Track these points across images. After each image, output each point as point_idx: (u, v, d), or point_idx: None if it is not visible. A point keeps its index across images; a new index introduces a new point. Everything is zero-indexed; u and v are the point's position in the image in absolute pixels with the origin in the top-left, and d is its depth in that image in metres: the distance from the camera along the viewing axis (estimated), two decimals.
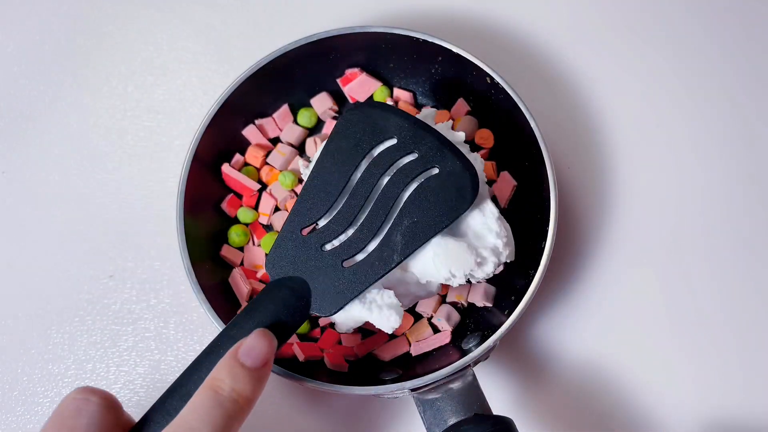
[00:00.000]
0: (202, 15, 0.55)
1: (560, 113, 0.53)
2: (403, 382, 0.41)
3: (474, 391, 0.41)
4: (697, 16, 0.55)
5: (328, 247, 0.38)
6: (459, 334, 0.46)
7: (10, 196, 0.52)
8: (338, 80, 0.49)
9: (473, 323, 0.46)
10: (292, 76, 0.48)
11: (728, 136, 0.52)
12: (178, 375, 0.47)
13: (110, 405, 0.32)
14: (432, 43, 0.46)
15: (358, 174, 0.39)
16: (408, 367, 0.44)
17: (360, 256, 0.38)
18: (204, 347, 0.48)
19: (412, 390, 0.41)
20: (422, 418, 0.41)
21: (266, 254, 0.46)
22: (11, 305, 0.50)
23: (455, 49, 0.45)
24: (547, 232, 0.43)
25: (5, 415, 0.48)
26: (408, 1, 0.55)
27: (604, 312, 0.49)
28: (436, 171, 0.39)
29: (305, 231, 0.39)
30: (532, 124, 0.44)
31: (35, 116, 0.53)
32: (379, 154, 0.39)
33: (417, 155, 0.39)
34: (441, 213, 0.38)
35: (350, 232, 0.39)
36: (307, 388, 0.41)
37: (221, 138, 0.47)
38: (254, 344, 0.34)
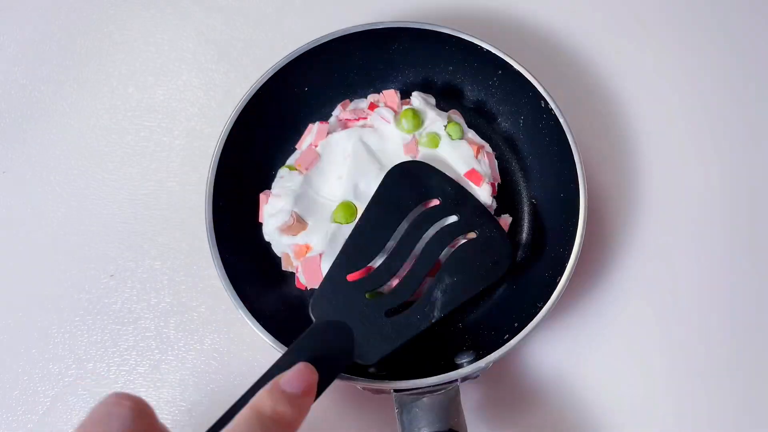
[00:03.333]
0: (202, 15, 0.56)
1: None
2: (388, 381, 0.41)
3: (455, 407, 0.41)
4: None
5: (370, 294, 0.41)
6: (454, 348, 0.45)
7: (10, 196, 0.52)
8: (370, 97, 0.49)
9: (471, 340, 0.46)
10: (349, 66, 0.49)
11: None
12: (178, 375, 0.48)
13: (143, 411, 0.31)
14: (495, 55, 0.46)
15: (403, 227, 0.42)
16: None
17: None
18: (204, 347, 0.48)
19: (396, 391, 0.41)
20: (398, 419, 0.41)
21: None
22: (12, 305, 0.50)
23: (516, 66, 0.46)
24: (565, 267, 0.42)
25: (5, 414, 0.48)
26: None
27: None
28: (474, 235, 0.43)
29: (350, 277, 0.41)
30: (576, 157, 0.44)
31: (36, 116, 0.53)
32: (423, 212, 0.42)
33: (458, 218, 0.43)
34: (478, 276, 0.42)
35: (393, 282, 0.41)
36: None
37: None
38: (295, 373, 0.35)
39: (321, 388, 0.36)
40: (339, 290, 0.40)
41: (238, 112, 0.46)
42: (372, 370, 0.42)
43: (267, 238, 0.46)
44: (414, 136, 0.46)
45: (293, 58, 0.47)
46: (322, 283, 0.41)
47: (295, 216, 0.44)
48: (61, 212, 0.52)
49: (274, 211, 0.45)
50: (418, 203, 0.43)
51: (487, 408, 0.48)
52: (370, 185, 0.45)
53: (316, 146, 0.47)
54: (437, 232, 0.42)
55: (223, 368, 0.48)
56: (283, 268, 0.47)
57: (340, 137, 0.46)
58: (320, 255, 0.44)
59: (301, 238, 0.44)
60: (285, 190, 0.45)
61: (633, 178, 0.52)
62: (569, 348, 0.48)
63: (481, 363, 0.41)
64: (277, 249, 0.46)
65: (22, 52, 0.55)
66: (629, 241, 0.50)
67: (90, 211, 0.52)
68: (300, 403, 0.34)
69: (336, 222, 0.44)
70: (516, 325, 0.42)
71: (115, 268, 0.50)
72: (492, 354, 0.41)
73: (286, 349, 0.41)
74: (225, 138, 0.45)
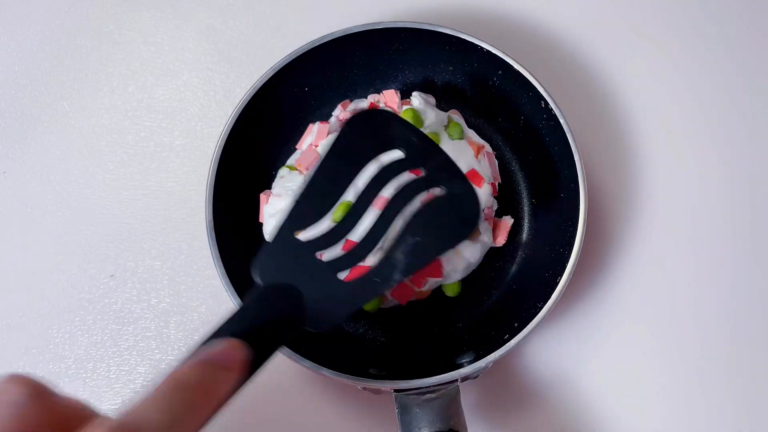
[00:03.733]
0: (202, 15, 0.56)
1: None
2: (388, 381, 0.41)
3: (455, 407, 0.41)
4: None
5: (325, 256, 0.35)
6: (454, 348, 0.45)
7: (10, 196, 0.52)
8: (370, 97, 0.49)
9: (471, 340, 0.46)
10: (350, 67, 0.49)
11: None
12: None
13: (39, 392, 0.27)
14: (495, 55, 0.46)
15: (361, 181, 0.37)
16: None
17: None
18: None
19: (396, 391, 0.41)
20: (398, 419, 0.41)
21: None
22: (12, 305, 0.50)
23: (516, 66, 0.46)
24: (565, 266, 0.43)
25: None
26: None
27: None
28: (441, 191, 0.38)
29: (300, 235, 0.36)
30: (576, 157, 0.44)
31: (36, 116, 0.53)
32: (385, 165, 0.38)
33: (424, 172, 0.38)
34: (444, 235, 0.37)
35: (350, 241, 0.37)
36: (291, 369, 0.41)
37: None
38: (222, 349, 0.31)
39: (264, 357, 0.33)
40: (287, 250, 0.35)
41: (238, 113, 0.46)
42: (373, 371, 0.42)
43: (268, 238, 0.46)
44: None
45: (293, 58, 0.47)
46: (267, 242, 0.37)
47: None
48: (61, 212, 0.52)
49: (274, 211, 0.45)
50: (378, 154, 0.37)
51: (488, 408, 0.48)
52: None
53: (316, 146, 0.47)
54: (400, 187, 0.38)
55: None
56: None
57: None
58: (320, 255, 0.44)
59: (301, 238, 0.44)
60: (285, 190, 0.45)
61: (634, 178, 0.52)
62: (570, 348, 0.48)
63: (481, 363, 0.41)
64: None
65: (22, 52, 0.55)
66: (630, 240, 0.50)
67: (90, 211, 0.52)
68: (225, 378, 0.31)
69: (336, 222, 0.44)
70: (516, 325, 0.42)
71: (115, 268, 0.51)
72: (492, 354, 0.41)
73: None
74: (225, 138, 0.45)
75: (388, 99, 0.47)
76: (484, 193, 0.45)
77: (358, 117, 0.37)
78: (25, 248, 0.51)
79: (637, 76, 0.54)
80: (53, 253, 0.51)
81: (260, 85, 0.46)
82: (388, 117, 0.38)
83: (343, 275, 0.36)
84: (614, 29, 0.55)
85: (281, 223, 0.36)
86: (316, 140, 0.47)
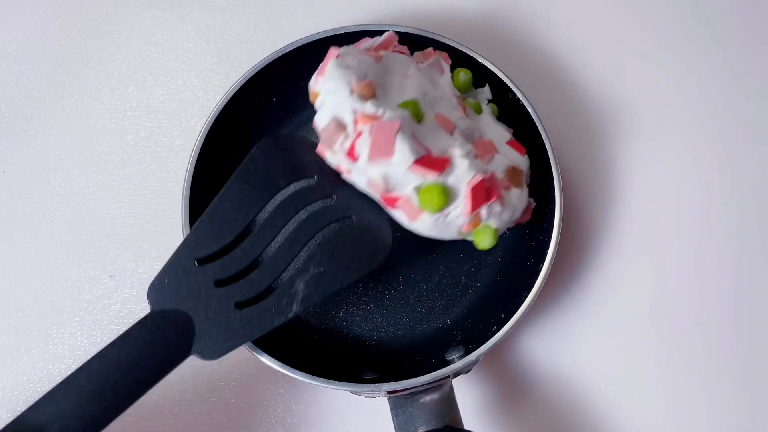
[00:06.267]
0: (202, 15, 0.55)
1: (565, 121, 0.53)
2: (380, 384, 0.41)
3: (449, 403, 0.41)
4: (705, 21, 0.54)
5: (223, 283, 0.35)
6: (444, 344, 0.46)
7: (10, 196, 0.52)
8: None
9: (460, 334, 0.46)
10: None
11: (737, 145, 0.52)
12: (177, 374, 0.47)
13: None
14: (457, 50, 0.45)
15: (269, 209, 0.35)
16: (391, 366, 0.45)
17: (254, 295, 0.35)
18: None
19: (389, 393, 0.41)
20: (394, 421, 0.41)
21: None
22: (11, 305, 0.50)
23: (481, 60, 0.45)
24: (546, 253, 0.43)
25: (5, 414, 0.48)
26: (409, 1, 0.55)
27: (596, 336, 0.49)
28: (350, 221, 0.36)
29: (200, 261, 0.35)
30: (549, 149, 0.44)
31: (36, 116, 0.53)
32: (294, 192, 0.36)
33: (334, 200, 0.36)
34: (348, 267, 0.36)
35: (250, 270, 0.35)
36: (286, 377, 0.41)
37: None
38: None
39: (146, 387, 0.33)
40: (184, 275, 0.34)
41: (219, 111, 0.45)
42: (365, 375, 0.42)
43: (325, 87, 0.37)
44: (460, 96, 0.43)
45: (267, 62, 0.46)
46: (165, 264, 0.34)
47: (374, 84, 0.36)
48: (61, 212, 0.52)
49: (354, 63, 0.37)
50: (289, 181, 0.36)
51: (484, 402, 0.48)
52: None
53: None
54: (308, 215, 0.36)
55: (221, 368, 0.48)
56: (319, 148, 0.37)
57: (403, 58, 0.40)
58: (400, 122, 0.35)
59: (370, 107, 0.36)
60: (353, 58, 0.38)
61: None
62: (559, 339, 0.49)
63: (472, 357, 0.41)
64: (328, 113, 0.36)
65: (22, 52, 0.55)
66: (610, 226, 0.51)
67: (90, 211, 0.52)
68: None
69: (404, 107, 0.37)
70: (503, 315, 0.43)
71: (115, 268, 0.51)
72: (482, 347, 0.41)
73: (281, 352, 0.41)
74: (199, 147, 0.45)
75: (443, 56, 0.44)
76: (525, 162, 0.43)
77: (270, 140, 0.36)
78: (25, 248, 0.51)
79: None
80: (53, 254, 0.51)
81: (235, 90, 0.45)
82: (301, 142, 0.36)
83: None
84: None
85: (180, 247, 0.34)
86: (383, 46, 0.41)
